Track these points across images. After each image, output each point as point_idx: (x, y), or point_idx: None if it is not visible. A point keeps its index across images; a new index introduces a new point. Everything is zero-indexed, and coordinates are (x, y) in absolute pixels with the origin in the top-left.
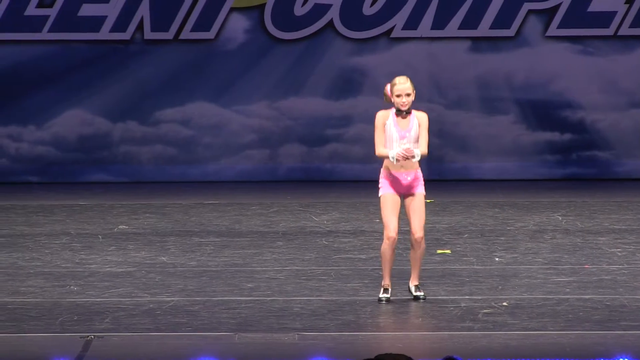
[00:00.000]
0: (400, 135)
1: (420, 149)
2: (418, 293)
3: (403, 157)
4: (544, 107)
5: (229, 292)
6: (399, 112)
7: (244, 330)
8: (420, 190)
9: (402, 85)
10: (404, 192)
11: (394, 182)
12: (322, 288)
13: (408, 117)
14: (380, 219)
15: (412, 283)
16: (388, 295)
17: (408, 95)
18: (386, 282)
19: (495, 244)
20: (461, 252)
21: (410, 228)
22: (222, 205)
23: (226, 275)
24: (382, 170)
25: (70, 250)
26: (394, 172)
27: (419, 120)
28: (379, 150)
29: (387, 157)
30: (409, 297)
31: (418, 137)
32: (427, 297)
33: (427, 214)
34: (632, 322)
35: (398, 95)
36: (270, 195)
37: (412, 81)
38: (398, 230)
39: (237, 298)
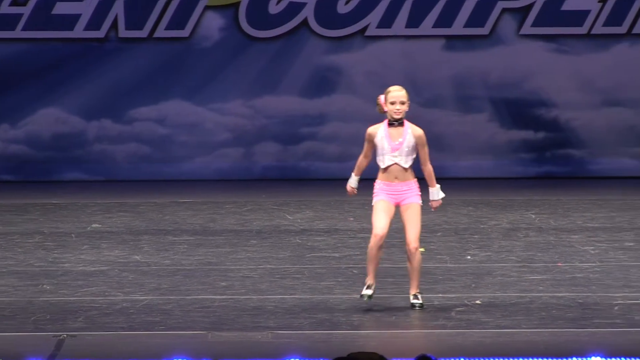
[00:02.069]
0: (392, 148)
1: (426, 168)
2: (414, 301)
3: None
4: (518, 106)
5: (202, 290)
6: (391, 123)
7: (218, 329)
8: (415, 200)
9: (397, 93)
10: (399, 202)
11: (389, 191)
12: (296, 286)
13: (401, 129)
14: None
15: (411, 292)
16: (370, 292)
17: (402, 103)
18: (369, 279)
19: (469, 242)
20: (435, 250)
21: (405, 238)
22: (197, 203)
23: (200, 274)
24: (377, 180)
25: (44, 249)
26: (388, 182)
27: (415, 136)
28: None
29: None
30: (381, 295)
31: (412, 151)
32: (402, 295)
33: (397, 213)
34: (605, 319)
35: (392, 103)
36: (244, 194)
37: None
38: (387, 231)
39: (211, 297)
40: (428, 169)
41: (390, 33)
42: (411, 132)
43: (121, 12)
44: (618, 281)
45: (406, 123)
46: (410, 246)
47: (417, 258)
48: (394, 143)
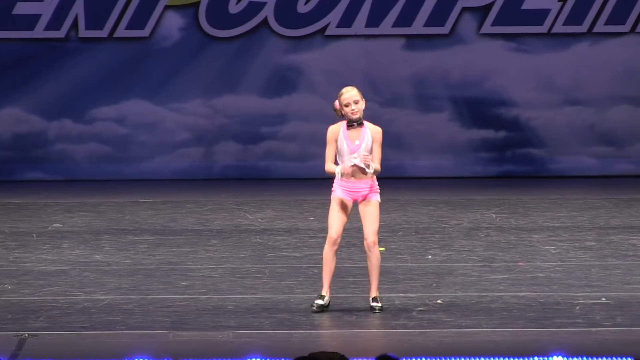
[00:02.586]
0: (351, 149)
1: (374, 164)
2: (374, 304)
3: (359, 166)
4: (478, 105)
5: (163, 290)
6: (350, 125)
7: (179, 328)
8: (374, 197)
9: (349, 93)
10: (357, 199)
11: (347, 188)
12: (257, 286)
13: (360, 130)
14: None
15: (371, 295)
16: (322, 303)
17: (356, 102)
18: (324, 290)
19: (429, 241)
20: (395, 249)
21: (363, 233)
22: (157, 203)
23: (161, 274)
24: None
25: (5, 248)
26: (347, 179)
27: (373, 134)
28: (327, 166)
29: (334, 174)
30: (342, 295)
31: (370, 151)
32: (362, 294)
33: (357, 212)
34: (566, 319)
35: (346, 105)
36: (205, 193)
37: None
38: (341, 234)
39: (171, 296)
40: (376, 170)
41: (350, 32)
42: (369, 132)
43: (81, 12)
44: (579, 281)
45: (365, 123)
46: (367, 240)
47: (375, 254)
48: (353, 145)
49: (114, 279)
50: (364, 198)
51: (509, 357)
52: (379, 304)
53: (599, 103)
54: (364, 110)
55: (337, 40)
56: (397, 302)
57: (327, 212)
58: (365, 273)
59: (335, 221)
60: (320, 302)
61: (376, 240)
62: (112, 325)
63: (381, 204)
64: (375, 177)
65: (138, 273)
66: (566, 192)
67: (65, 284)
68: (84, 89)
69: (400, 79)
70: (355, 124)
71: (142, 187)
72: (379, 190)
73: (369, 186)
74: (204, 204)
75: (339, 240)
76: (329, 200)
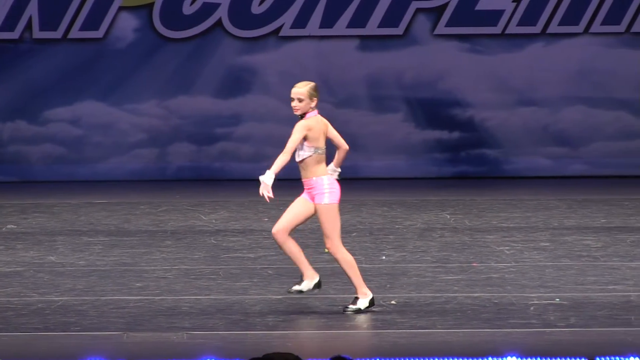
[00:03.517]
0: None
1: (281, 154)
2: (351, 306)
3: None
4: (433, 106)
5: (117, 291)
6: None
7: (133, 329)
8: (317, 200)
9: (295, 90)
10: (313, 200)
11: (304, 187)
12: (211, 287)
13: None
14: None
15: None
16: (299, 288)
17: (300, 100)
18: (303, 274)
19: (383, 242)
20: (350, 250)
21: None
22: (111, 204)
23: (115, 275)
24: None
25: None
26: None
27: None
28: None
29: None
30: (296, 296)
31: (300, 145)
32: (317, 295)
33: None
34: (521, 319)
35: (291, 100)
36: (159, 195)
37: (316, 89)
38: (284, 228)
39: (126, 297)
40: (282, 159)
41: (304, 33)
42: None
43: (35, 13)
44: (533, 281)
45: (307, 117)
46: (279, 232)
47: (337, 258)
48: None
49: (68, 280)
50: (312, 198)
51: (463, 358)
52: (354, 306)
53: (553, 103)
54: (317, 108)
55: (291, 41)
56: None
57: (281, 213)
58: (320, 275)
59: (283, 215)
60: (297, 287)
61: (332, 244)
62: (67, 327)
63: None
64: (318, 176)
65: (92, 274)
66: (520, 193)
67: (19, 285)
68: (39, 90)
69: (355, 79)
70: (299, 118)
71: (96, 188)
72: (325, 191)
73: (313, 186)
74: (158, 205)
75: (280, 233)
76: (284, 201)
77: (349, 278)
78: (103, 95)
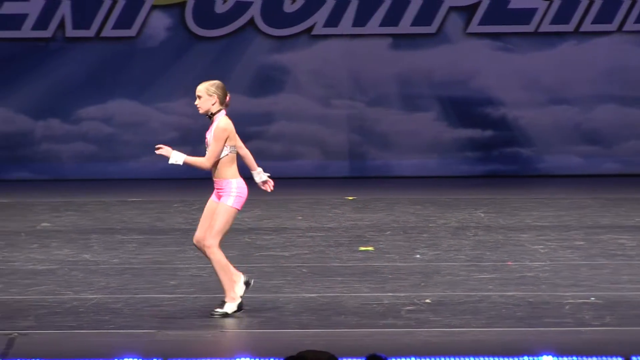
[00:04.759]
0: (206, 142)
1: (203, 158)
2: (218, 309)
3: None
4: (465, 104)
5: (151, 289)
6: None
7: (167, 327)
8: (223, 200)
9: (197, 87)
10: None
11: (215, 188)
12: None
13: (212, 124)
14: None
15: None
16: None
17: (199, 97)
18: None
19: (417, 241)
20: (383, 249)
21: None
22: (144, 202)
23: (149, 273)
24: None
25: None
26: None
27: (213, 129)
28: None
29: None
30: (330, 295)
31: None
32: (350, 294)
33: (345, 212)
34: (554, 318)
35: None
36: (191, 193)
37: (223, 87)
38: (201, 237)
39: (159, 295)
40: (203, 163)
41: (336, 32)
42: (214, 127)
43: (68, 12)
44: (567, 280)
45: (217, 118)
46: (199, 242)
47: (211, 259)
48: (205, 139)
49: (102, 278)
50: (219, 197)
51: (497, 357)
52: (221, 310)
53: (585, 102)
54: (224, 105)
55: (323, 40)
56: (385, 302)
57: (315, 212)
58: (354, 272)
59: (200, 224)
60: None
61: (211, 243)
62: (100, 325)
63: (361, 201)
64: (229, 179)
65: (126, 272)
66: (553, 191)
67: (54, 283)
68: (71, 89)
69: (386, 78)
70: (208, 118)
71: (128, 186)
72: (232, 194)
73: (222, 187)
74: (191, 203)
75: (200, 241)
76: (318, 199)
77: (219, 280)
78: (135, 93)
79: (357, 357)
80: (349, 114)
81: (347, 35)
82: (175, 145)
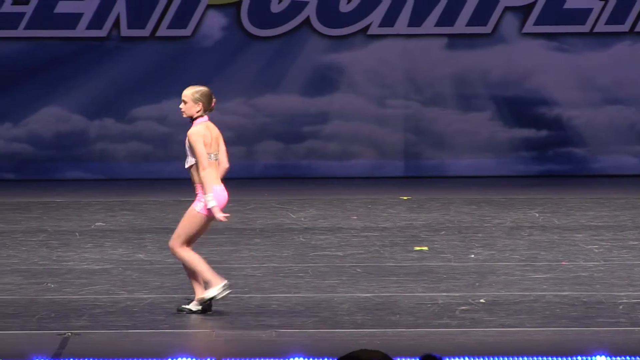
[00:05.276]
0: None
1: (200, 171)
2: (184, 307)
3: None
4: (520, 104)
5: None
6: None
7: (222, 327)
8: (194, 204)
9: (184, 92)
10: None
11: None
12: (300, 285)
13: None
14: None
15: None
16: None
17: (184, 102)
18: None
19: (472, 240)
20: (438, 249)
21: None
22: None
23: None
24: None
25: (47, 247)
26: None
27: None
28: None
29: None
30: (384, 294)
31: (190, 151)
32: (405, 294)
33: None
34: (609, 318)
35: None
36: (247, 192)
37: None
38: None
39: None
40: (203, 175)
41: (392, 32)
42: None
43: (123, 11)
44: (622, 280)
45: (195, 123)
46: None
47: (180, 257)
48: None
49: (157, 277)
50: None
51: (551, 357)
52: (188, 307)
53: (639, 102)
54: (207, 114)
55: (378, 39)
56: (440, 301)
57: (370, 211)
58: (408, 272)
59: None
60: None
61: (174, 243)
62: (155, 325)
63: (416, 201)
64: (200, 185)
65: (180, 272)
66: (608, 191)
67: (108, 283)
68: (126, 88)
69: (442, 78)
70: (190, 121)
71: (183, 186)
72: (203, 199)
73: (199, 193)
74: (246, 202)
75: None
76: (372, 199)
77: (200, 276)
78: None
79: (411, 356)
80: (405, 113)
81: (402, 35)
82: (230, 145)
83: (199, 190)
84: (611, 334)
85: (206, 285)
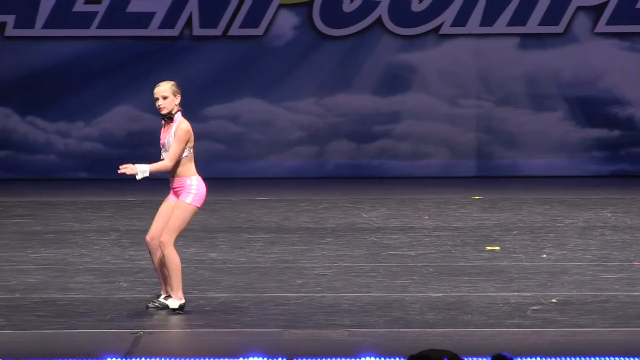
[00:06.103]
0: (161, 144)
1: (165, 160)
2: (161, 301)
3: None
4: (592, 104)
5: (278, 288)
6: (162, 120)
7: (293, 326)
8: (182, 198)
9: (158, 88)
10: (176, 199)
11: (171, 188)
12: (371, 284)
13: (170, 125)
14: None
15: (163, 294)
16: (156, 304)
17: (165, 98)
18: (162, 290)
19: (544, 240)
20: (510, 248)
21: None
22: (271, 201)
23: (275, 272)
24: None
25: (119, 246)
26: (171, 181)
27: (175, 130)
28: None
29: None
30: (456, 294)
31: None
32: (477, 293)
33: (472, 211)
34: None
35: (155, 99)
36: (319, 192)
37: (182, 87)
38: (156, 235)
39: (286, 294)
40: (166, 166)
41: (464, 32)
42: (175, 127)
43: (195, 11)
44: None
45: (176, 118)
46: (154, 240)
47: (165, 255)
48: (162, 140)
49: (229, 277)
50: (177, 196)
51: (623, 357)
52: (165, 302)
53: None
54: (180, 105)
55: (450, 39)
56: (511, 301)
57: (442, 211)
58: (479, 272)
59: (154, 222)
60: (154, 304)
61: (167, 240)
62: (227, 324)
63: (488, 200)
64: (192, 176)
65: (252, 271)
66: None
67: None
68: (198, 88)
69: (514, 78)
70: (165, 119)
71: (255, 186)
72: (191, 191)
73: (181, 185)
74: (318, 202)
75: (154, 239)
76: (444, 199)
77: (169, 278)
78: (262, 92)
79: (483, 356)
80: (477, 113)
81: (474, 35)
82: (302, 144)
83: (181, 183)
84: None
85: (169, 290)
